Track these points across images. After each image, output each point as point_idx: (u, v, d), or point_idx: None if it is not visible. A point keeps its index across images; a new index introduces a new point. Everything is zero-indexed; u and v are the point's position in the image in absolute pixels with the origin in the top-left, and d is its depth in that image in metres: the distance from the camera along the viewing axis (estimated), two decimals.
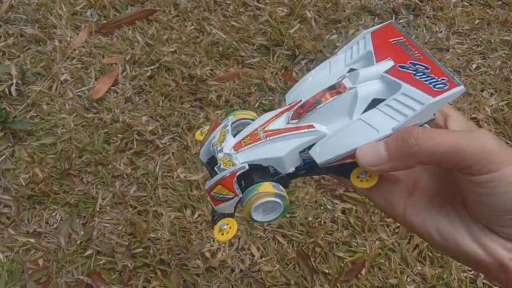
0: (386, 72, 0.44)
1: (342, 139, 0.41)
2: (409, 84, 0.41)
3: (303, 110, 0.45)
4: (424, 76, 0.41)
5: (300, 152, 0.44)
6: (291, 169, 0.44)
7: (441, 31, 1.59)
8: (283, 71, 1.47)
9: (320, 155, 0.42)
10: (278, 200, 0.43)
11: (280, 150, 0.44)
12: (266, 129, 0.46)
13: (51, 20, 1.61)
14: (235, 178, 0.43)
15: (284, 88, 1.42)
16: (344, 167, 0.42)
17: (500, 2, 1.68)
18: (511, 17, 1.60)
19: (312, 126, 0.44)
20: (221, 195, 0.43)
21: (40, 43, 1.56)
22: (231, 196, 0.43)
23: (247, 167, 0.43)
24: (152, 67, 1.48)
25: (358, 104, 0.43)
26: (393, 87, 0.42)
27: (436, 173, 0.44)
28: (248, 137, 0.46)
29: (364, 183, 0.41)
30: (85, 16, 1.64)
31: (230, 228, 0.43)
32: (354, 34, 1.57)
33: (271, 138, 0.45)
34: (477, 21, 1.61)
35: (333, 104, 0.44)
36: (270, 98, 1.40)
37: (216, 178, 0.44)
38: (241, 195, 0.43)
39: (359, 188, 0.42)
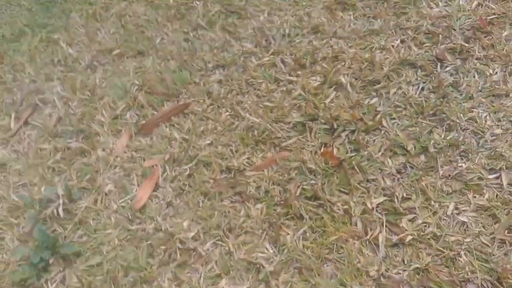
0: None
1: None
2: None
3: None
4: None
5: None
6: None
7: (496, 73, 1.38)
8: (322, 149, 1.34)
9: None
10: None
11: None
12: None
13: (94, 128, 1.62)
14: None
15: (325, 169, 1.28)
16: None
17: None
18: None
19: None
20: None
21: (85, 154, 1.56)
22: None
23: None
24: (190, 164, 1.41)
25: None
26: None
27: None
28: None
29: None
30: (125, 119, 1.63)
31: None
32: (396, 94, 1.41)
33: None
34: None
35: None
36: (312, 182, 1.27)
37: None
38: None
39: None
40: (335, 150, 1.32)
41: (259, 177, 1.31)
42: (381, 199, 1.18)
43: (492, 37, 1.46)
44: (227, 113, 1.53)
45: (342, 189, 1.23)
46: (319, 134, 1.37)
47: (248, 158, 1.38)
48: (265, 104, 1.50)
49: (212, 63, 1.72)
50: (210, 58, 1.74)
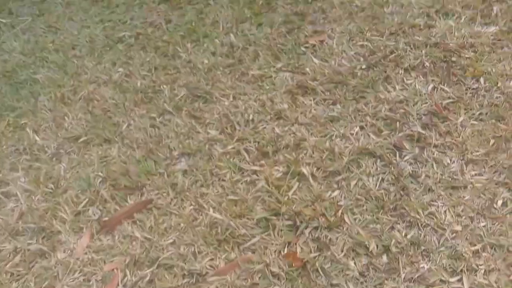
0: None
1: None
2: None
3: None
4: None
5: None
6: None
7: (454, 162, 1.37)
8: (286, 249, 1.29)
9: None
10: None
11: None
12: None
13: (56, 226, 1.56)
14: None
15: (289, 272, 1.24)
16: None
17: None
18: None
19: None
20: None
21: (45, 255, 1.49)
22: None
23: None
24: (152, 268, 1.35)
25: None
26: None
27: None
28: None
29: None
30: (87, 215, 1.57)
31: None
32: (356, 186, 1.39)
33: None
34: (491, 142, 1.38)
35: None
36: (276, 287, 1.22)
37: None
38: None
39: None
40: (298, 249, 1.28)
41: (222, 283, 1.26)
42: None
43: (449, 123, 1.46)
44: (191, 207, 1.49)
45: None
46: (283, 231, 1.33)
47: (211, 260, 1.33)
48: (229, 198, 1.47)
49: (178, 151, 1.69)
50: (175, 145, 1.72)
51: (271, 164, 1.52)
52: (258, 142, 1.61)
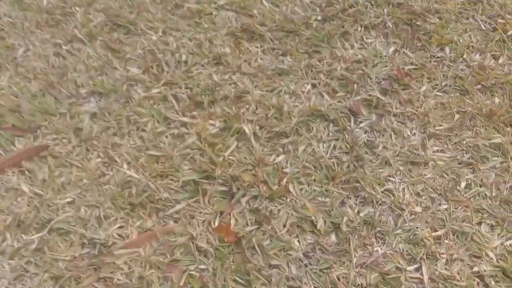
0: None
1: None
2: None
3: None
4: None
5: None
6: None
7: (414, 134, 1.22)
8: (217, 220, 1.06)
9: None
10: None
11: None
12: None
13: None
14: None
15: (219, 248, 1.02)
16: None
17: (479, 86, 1.33)
18: (496, 107, 1.25)
19: None
20: None
21: None
22: None
23: None
24: (41, 233, 1.06)
25: None
26: None
27: None
28: None
29: None
30: None
31: None
32: (305, 152, 1.19)
33: None
34: (456, 117, 1.25)
35: None
36: (202, 266, 1.00)
37: None
38: None
39: None
40: (232, 221, 1.06)
41: (133, 258, 1.01)
42: None
43: (410, 91, 1.31)
44: (99, 159, 1.20)
45: (238, 279, 0.97)
46: (215, 199, 1.10)
47: (120, 228, 1.06)
48: (149, 153, 1.20)
49: (87, 89, 1.37)
50: (84, 81, 1.39)
51: (206, 117, 1.27)
52: (191, 89, 1.34)
